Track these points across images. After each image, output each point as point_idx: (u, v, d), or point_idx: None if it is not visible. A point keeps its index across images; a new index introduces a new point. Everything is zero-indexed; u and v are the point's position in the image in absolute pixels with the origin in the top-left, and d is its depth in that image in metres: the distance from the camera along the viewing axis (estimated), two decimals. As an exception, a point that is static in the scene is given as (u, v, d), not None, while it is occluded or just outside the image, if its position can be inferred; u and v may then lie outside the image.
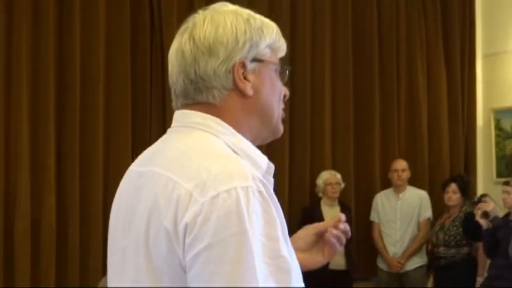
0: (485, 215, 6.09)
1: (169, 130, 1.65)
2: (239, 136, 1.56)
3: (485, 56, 7.80)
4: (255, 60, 1.58)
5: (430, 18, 7.74)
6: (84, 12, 6.25)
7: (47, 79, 6.08)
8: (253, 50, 1.57)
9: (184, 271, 1.38)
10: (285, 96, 1.68)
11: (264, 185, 1.41)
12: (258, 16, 1.63)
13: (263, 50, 1.59)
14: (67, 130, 6.17)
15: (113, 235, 1.61)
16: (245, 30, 1.56)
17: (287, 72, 1.67)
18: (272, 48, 1.62)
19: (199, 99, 1.58)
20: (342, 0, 7.38)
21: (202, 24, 1.57)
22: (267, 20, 1.64)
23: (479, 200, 6.26)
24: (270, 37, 1.61)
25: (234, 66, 1.55)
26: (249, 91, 1.57)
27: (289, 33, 6.94)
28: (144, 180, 1.53)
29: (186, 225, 1.36)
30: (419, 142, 7.63)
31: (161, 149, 1.59)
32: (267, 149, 5.93)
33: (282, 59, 1.66)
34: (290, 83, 6.61)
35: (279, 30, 1.65)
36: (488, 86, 7.78)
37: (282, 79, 1.66)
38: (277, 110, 1.64)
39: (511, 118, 7.43)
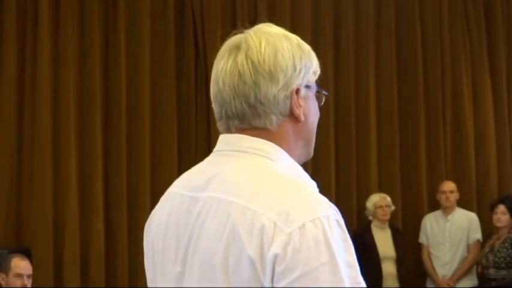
0: None
1: (218, 153, 1.62)
2: (293, 161, 1.59)
3: (532, 75, 7.71)
4: (307, 86, 1.60)
5: (474, 36, 7.68)
6: (129, 39, 6.35)
7: (94, 106, 6.18)
8: (306, 77, 1.59)
9: None
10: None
11: (337, 211, 1.47)
12: (301, 40, 1.64)
13: (311, 76, 1.62)
14: (114, 156, 6.25)
15: (161, 259, 1.61)
16: (300, 57, 1.58)
17: (324, 95, 1.68)
18: (315, 72, 1.64)
19: (257, 124, 1.56)
20: (386, 22, 7.38)
21: (259, 47, 1.56)
22: (306, 44, 1.65)
23: None
24: (315, 63, 1.63)
25: (292, 92, 1.56)
26: (302, 117, 1.58)
27: (333, 55, 6.96)
28: (205, 206, 1.51)
29: (276, 256, 1.38)
30: (467, 162, 7.54)
31: (218, 174, 1.56)
32: (313, 172, 5.93)
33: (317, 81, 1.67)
34: (335, 106, 6.63)
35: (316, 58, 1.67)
36: (535, 104, 7.68)
37: (318, 101, 1.67)
38: (316, 134, 1.68)
39: (560, 137, 7.32)
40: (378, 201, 6.96)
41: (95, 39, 6.22)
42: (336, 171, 7.01)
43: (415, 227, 7.26)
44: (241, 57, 1.55)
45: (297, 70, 1.57)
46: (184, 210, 1.57)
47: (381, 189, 7.14)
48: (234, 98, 1.55)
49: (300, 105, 1.57)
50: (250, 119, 1.55)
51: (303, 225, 1.39)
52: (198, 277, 1.49)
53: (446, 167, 7.49)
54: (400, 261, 6.89)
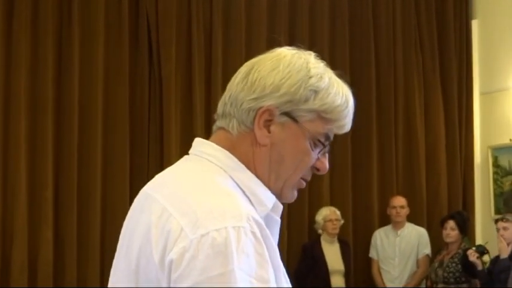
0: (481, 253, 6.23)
1: (185, 157, 1.62)
2: (249, 174, 1.53)
3: (483, 94, 7.83)
4: (287, 115, 1.51)
5: (427, 56, 7.78)
6: (83, 47, 6.30)
7: (45, 113, 6.11)
8: (291, 105, 1.51)
9: None
10: (318, 169, 1.60)
11: (259, 225, 1.40)
12: (333, 80, 1.56)
13: (304, 112, 1.52)
14: (65, 164, 6.18)
15: (117, 254, 1.59)
16: (294, 84, 1.51)
17: (326, 149, 1.57)
18: (321, 116, 1.53)
19: (223, 123, 1.56)
20: (340, 38, 7.44)
21: (267, 60, 1.55)
22: (341, 89, 1.56)
23: (479, 249, 6.43)
24: (322, 104, 1.52)
25: (260, 108, 1.51)
26: (262, 140, 1.52)
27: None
28: (148, 204, 1.51)
29: (172, 261, 1.35)
30: (417, 179, 7.63)
31: (167, 175, 1.57)
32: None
33: (328, 137, 1.57)
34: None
35: (348, 106, 1.56)
36: (485, 123, 7.80)
37: (319, 152, 1.57)
38: (291, 175, 1.56)
39: (509, 155, 7.44)
40: (328, 214, 6.98)
41: (48, 46, 6.16)
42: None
43: (365, 241, 7.31)
44: (251, 64, 1.57)
45: (280, 92, 1.50)
46: (139, 207, 1.56)
47: (332, 203, 7.18)
48: (224, 95, 1.58)
49: (263, 127, 1.51)
50: (221, 118, 1.57)
51: (207, 233, 1.34)
52: (126, 276, 1.49)
53: (397, 182, 7.57)
54: (348, 275, 6.93)
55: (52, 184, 6.10)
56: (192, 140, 1.62)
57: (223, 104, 1.57)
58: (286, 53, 1.57)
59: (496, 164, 7.59)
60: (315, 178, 6.84)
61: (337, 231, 7.00)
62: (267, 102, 1.50)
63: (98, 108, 6.31)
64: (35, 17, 6.16)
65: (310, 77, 1.52)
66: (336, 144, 7.31)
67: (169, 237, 1.37)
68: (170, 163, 1.63)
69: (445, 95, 7.81)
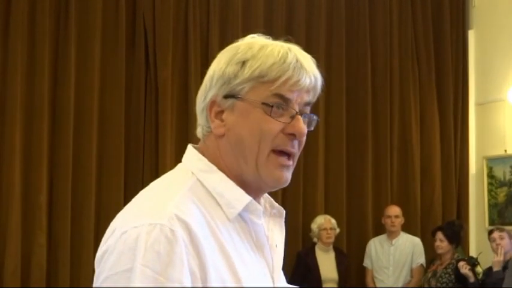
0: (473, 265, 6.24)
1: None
2: (220, 174, 1.51)
3: (478, 104, 7.85)
4: (228, 96, 1.50)
5: (423, 66, 7.80)
6: (80, 50, 6.30)
7: (41, 118, 6.10)
8: (226, 86, 1.50)
9: None
10: (293, 134, 1.51)
11: (186, 226, 1.36)
12: (267, 44, 1.52)
13: (239, 85, 1.49)
14: (59, 170, 6.17)
15: None
16: (221, 66, 1.52)
17: (273, 108, 1.48)
18: (260, 81, 1.49)
19: (197, 133, 1.60)
20: (336, 47, 7.45)
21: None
22: (277, 48, 1.51)
23: (471, 261, 6.45)
24: (253, 70, 1.48)
25: (206, 105, 1.53)
26: (217, 130, 1.52)
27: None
28: None
29: (96, 259, 1.41)
30: (412, 188, 7.63)
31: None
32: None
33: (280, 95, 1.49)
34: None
35: (286, 61, 1.49)
36: (480, 134, 7.81)
37: (279, 115, 1.50)
38: (258, 151, 1.49)
39: (503, 166, 7.46)
40: (323, 223, 6.98)
41: (45, 49, 6.14)
42: (282, 191, 7.02)
43: (359, 250, 7.31)
44: None
45: (214, 81, 1.52)
46: None
47: (326, 212, 7.17)
48: None
49: (215, 119, 1.52)
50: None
51: (126, 231, 1.36)
52: None
53: (392, 192, 7.57)
54: (341, 284, 6.92)
55: (46, 189, 6.09)
56: (187, 145, 1.63)
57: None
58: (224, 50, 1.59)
59: (490, 175, 7.60)
60: (309, 186, 6.83)
61: (332, 240, 6.99)
62: (209, 96, 1.53)
63: (93, 112, 6.30)
64: (31, 19, 6.15)
65: (237, 53, 1.51)
66: (331, 153, 7.32)
67: (104, 238, 1.42)
68: (165, 168, 1.65)
69: (440, 105, 7.82)
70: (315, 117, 1.59)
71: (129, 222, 1.38)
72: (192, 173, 1.51)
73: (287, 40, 1.58)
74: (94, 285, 1.39)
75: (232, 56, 1.51)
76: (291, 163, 1.55)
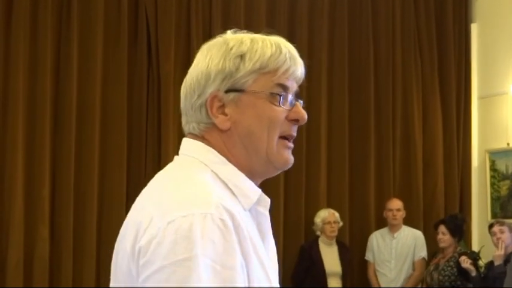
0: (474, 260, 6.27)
1: (175, 157, 1.65)
2: (231, 166, 1.55)
3: (481, 98, 7.84)
4: (232, 90, 1.55)
5: (426, 59, 7.79)
6: (82, 45, 6.31)
7: (43, 113, 6.11)
8: (228, 81, 1.54)
9: None
10: (296, 120, 1.60)
11: (231, 214, 1.40)
12: (256, 38, 1.58)
13: (243, 79, 1.54)
14: (62, 164, 6.18)
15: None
16: (218, 62, 1.55)
17: (280, 96, 1.56)
18: (262, 73, 1.55)
19: (186, 130, 1.61)
20: (339, 40, 7.45)
21: (196, 60, 1.62)
22: (268, 41, 1.57)
23: (472, 256, 6.49)
24: (253, 63, 1.54)
25: (206, 101, 1.55)
26: (223, 125, 1.55)
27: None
28: (135, 203, 1.56)
29: (140, 249, 1.38)
30: (414, 182, 7.63)
31: (157, 175, 1.61)
32: (261, 186, 5.94)
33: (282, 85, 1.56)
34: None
35: (282, 52, 1.56)
36: (483, 127, 7.81)
37: (283, 103, 1.57)
38: (267, 140, 1.56)
39: (506, 159, 7.45)
40: (327, 217, 6.98)
41: (47, 45, 6.16)
42: (284, 185, 7.03)
43: (361, 244, 7.32)
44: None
45: (212, 76, 1.55)
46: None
47: (329, 205, 7.18)
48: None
49: (218, 115, 1.55)
50: (185, 128, 1.62)
51: (174, 220, 1.36)
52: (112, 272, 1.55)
53: (394, 185, 7.57)
54: (345, 277, 6.93)
55: (49, 183, 6.10)
56: None
57: (183, 118, 1.62)
58: (204, 46, 1.63)
59: (493, 168, 7.59)
60: (312, 180, 6.83)
61: (335, 233, 6.99)
62: (207, 92, 1.54)
63: (96, 106, 6.31)
64: (33, 15, 6.17)
65: (231, 48, 1.55)
66: (333, 146, 7.33)
67: (140, 227, 1.41)
68: (168, 162, 1.65)
69: (443, 99, 7.82)
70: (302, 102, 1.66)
71: (173, 211, 1.38)
72: (206, 164, 1.54)
73: (269, 33, 1.63)
74: (141, 275, 1.37)
75: (225, 51, 1.56)
76: (293, 145, 1.64)
